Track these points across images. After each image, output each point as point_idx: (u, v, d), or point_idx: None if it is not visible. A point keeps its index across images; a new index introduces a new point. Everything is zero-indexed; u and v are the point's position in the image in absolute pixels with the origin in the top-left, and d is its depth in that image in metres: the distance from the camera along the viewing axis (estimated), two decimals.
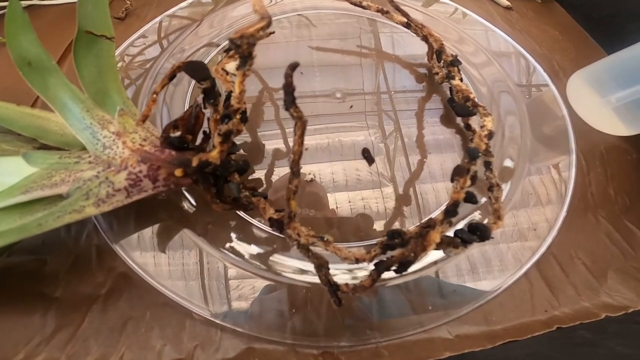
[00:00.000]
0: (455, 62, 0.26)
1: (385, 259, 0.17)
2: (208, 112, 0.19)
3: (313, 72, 0.30)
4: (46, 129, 0.21)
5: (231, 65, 0.25)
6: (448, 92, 0.29)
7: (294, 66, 0.14)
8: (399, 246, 0.17)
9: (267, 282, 0.22)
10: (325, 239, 0.18)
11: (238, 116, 0.17)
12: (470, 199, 0.19)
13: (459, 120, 0.28)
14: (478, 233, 0.18)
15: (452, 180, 0.19)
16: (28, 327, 0.21)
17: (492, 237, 0.18)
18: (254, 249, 0.23)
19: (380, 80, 0.30)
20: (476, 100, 0.23)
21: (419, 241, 0.17)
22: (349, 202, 0.24)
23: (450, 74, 0.25)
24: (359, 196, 0.24)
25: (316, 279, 0.19)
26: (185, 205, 0.24)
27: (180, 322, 0.21)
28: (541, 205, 0.25)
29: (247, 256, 0.22)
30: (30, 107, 0.22)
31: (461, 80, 0.25)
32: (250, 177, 0.25)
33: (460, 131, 0.27)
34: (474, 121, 0.26)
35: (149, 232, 0.23)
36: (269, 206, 0.20)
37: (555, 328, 0.21)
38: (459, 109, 0.26)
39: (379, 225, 0.23)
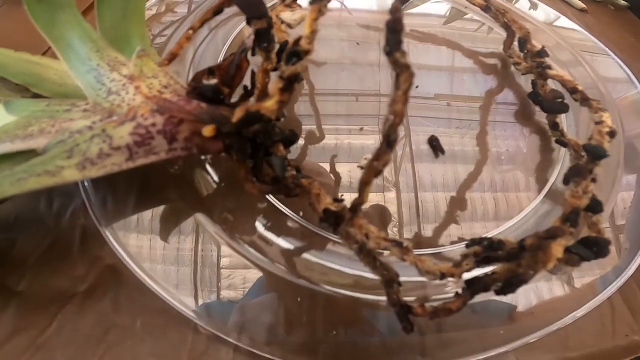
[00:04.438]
0: (543, 53, 0.22)
1: (482, 275, 0.13)
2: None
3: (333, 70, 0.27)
4: (42, 77, 0.17)
5: (288, 15, 0.23)
6: (522, 83, 0.25)
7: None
8: (503, 260, 0.13)
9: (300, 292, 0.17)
10: (404, 245, 0.13)
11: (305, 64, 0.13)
12: (595, 207, 0.15)
13: (537, 116, 0.23)
14: (595, 249, 0.14)
15: (565, 182, 0.17)
16: None
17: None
18: (288, 247, 0.18)
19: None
20: (585, 92, 0.18)
21: (537, 255, 0.12)
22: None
23: (542, 65, 0.21)
24: None
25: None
26: (203, 184, 0.19)
27: (181, 336, 0.16)
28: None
29: (278, 258, 0.17)
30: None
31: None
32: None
33: (540, 130, 0.23)
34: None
35: (149, 215, 0.18)
36: (324, 192, 0.14)
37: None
38: (547, 105, 0.21)
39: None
